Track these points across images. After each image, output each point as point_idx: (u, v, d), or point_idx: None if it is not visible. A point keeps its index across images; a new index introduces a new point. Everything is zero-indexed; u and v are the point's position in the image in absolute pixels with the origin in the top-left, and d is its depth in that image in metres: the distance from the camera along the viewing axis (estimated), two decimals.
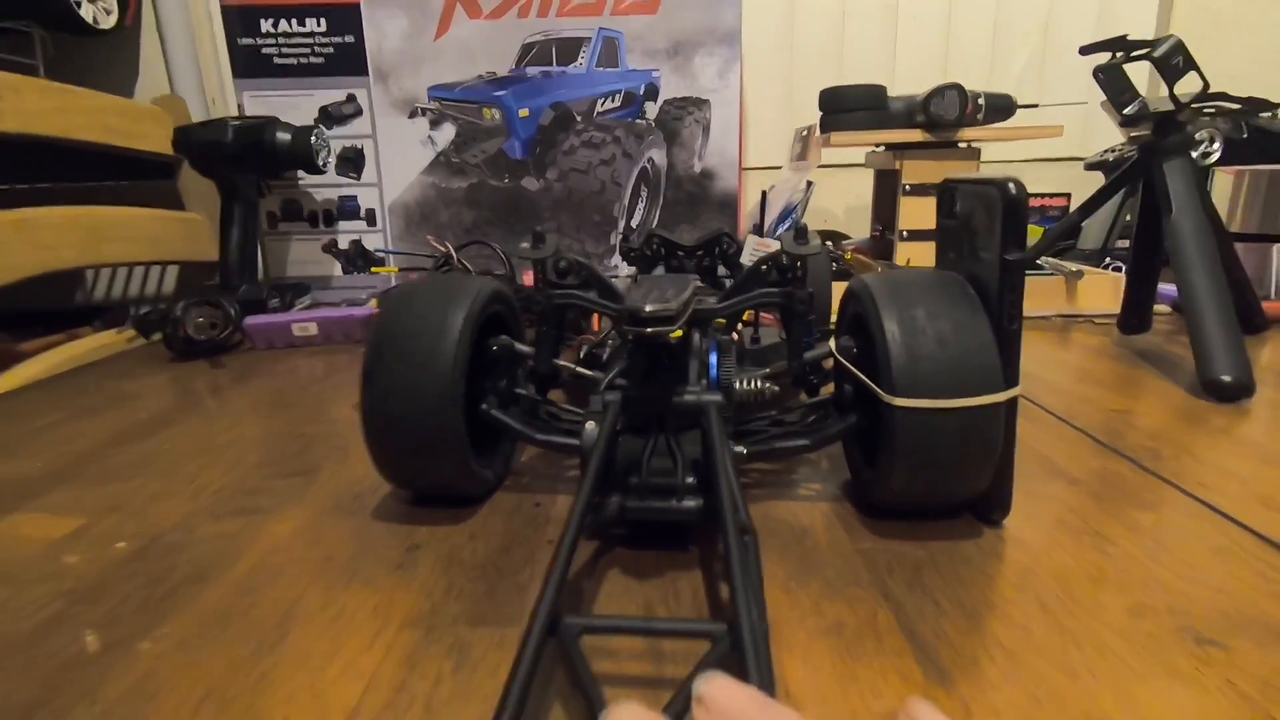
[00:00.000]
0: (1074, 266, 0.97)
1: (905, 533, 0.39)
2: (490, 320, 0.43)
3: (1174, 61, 0.65)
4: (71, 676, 0.30)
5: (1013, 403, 0.37)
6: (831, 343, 0.41)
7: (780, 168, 1.30)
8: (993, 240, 0.36)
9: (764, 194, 1.03)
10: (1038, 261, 1.01)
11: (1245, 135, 1.09)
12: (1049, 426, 0.55)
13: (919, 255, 1.07)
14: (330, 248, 1.14)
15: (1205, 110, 0.69)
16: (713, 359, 0.38)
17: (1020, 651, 0.30)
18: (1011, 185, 0.35)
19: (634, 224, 1.12)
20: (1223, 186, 1.00)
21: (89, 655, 0.31)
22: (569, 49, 1.06)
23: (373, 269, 1.10)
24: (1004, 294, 0.36)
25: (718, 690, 0.17)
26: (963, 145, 1.07)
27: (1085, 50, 0.72)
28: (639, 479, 0.35)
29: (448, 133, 1.08)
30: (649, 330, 0.30)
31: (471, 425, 0.41)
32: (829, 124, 1.10)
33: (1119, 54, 0.71)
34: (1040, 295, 0.97)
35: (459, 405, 0.39)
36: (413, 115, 1.08)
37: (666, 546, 0.38)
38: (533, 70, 1.06)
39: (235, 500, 0.46)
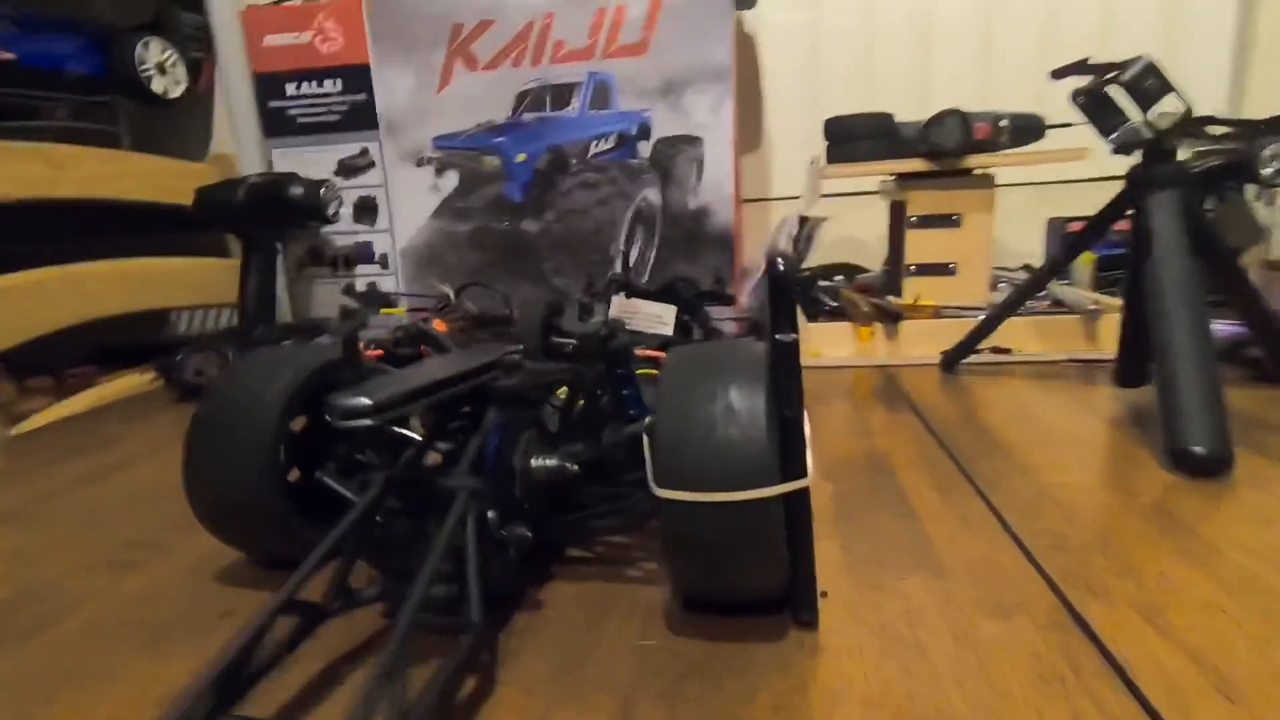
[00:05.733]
0: (1092, 299, 0.87)
1: (705, 629, 0.36)
2: (326, 389, 0.44)
3: (1146, 84, 0.58)
4: None
5: (799, 497, 0.33)
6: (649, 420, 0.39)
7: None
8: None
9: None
10: (1054, 295, 0.92)
11: None
12: (961, 499, 0.49)
13: (929, 291, 1.00)
14: (349, 290, 1.21)
15: (1193, 136, 0.61)
16: (494, 440, 0.37)
17: None
18: (778, 261, 0.32)
19: (631, 263, 1.12)
20: None
21: None
22: (562, 94, 1.08)
23: (383, 310, 1.16)
24: (778, 377, 0.33)
25: None
26: (978, 173, 0.99)
27: (1057, 75, 0.66)
28: (399, 563, 0.35)
29: (452, 180, 1.13)
30: (340, 425, 0.30)
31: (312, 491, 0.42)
32: (836, 155, 1.06)
33: (1096, 77, 0.63)
34: (1052, 336, 0.88)
35: (275, 476, 0.40)
36: (420, 164, 1.13)
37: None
38: (529, 116, 1.09)
39: (120, 553, 0.49)
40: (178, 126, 1.48)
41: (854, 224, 1.33)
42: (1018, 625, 0.35)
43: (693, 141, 1.06)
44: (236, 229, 1.05)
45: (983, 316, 0.78)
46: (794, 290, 0.32)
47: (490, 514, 0.36)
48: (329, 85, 1.13)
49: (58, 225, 1.05)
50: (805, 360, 0.94)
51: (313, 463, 0.44)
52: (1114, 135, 0.65)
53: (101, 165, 1.07)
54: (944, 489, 0.51)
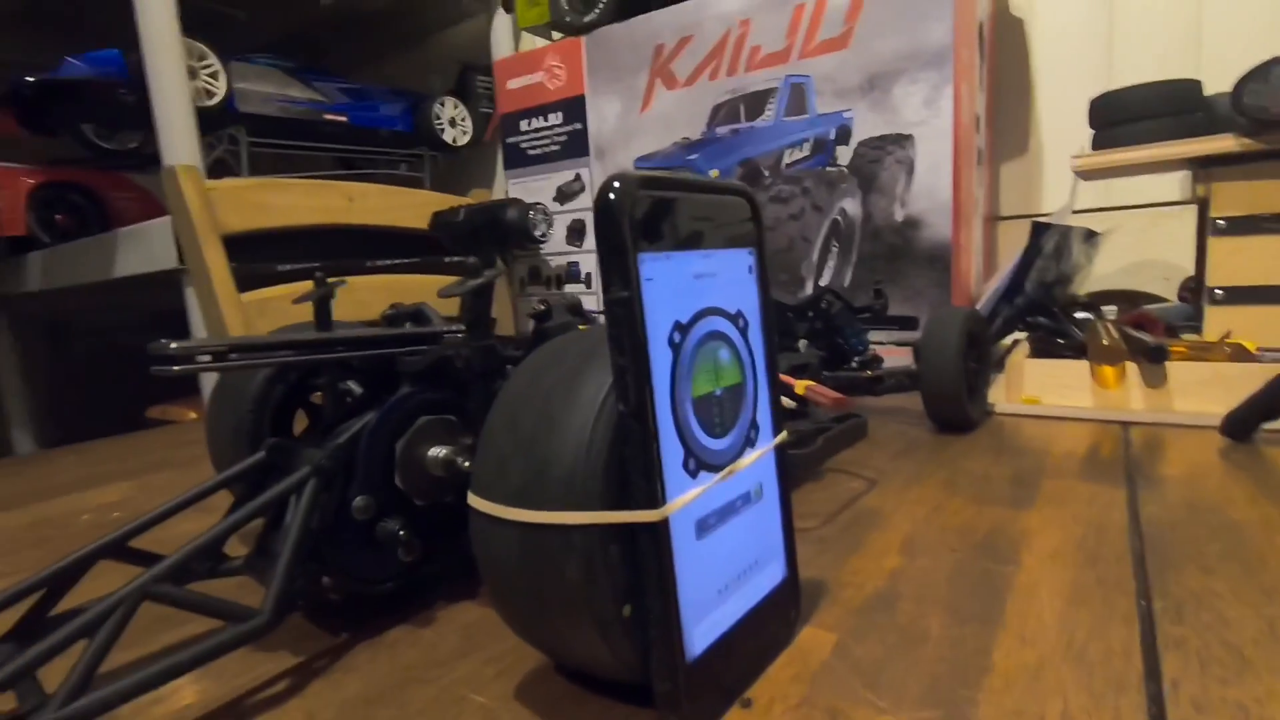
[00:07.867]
0: None
1: (554, 702, 0.27)
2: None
3: None
4: None
5: (649, 539, 0.22)
6: None
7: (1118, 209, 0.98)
8: None
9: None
10: None
11: None
12: (1101, 620, 0.30)
13: (1246, 326, 0.69)
14: None
15: None
16: (375, 416, 0.32)
17: None
18: (613, 186, 0.23)
19: (823, 283, 0.98)
20: None
21: None
22: (756, 102, 1.00)
23: (579, 328, 1.19)
24: (612, 354, 0.23)
25: None
26: None
27: None
28: (262, 537, 0.32)
29: None
30: (153, 370, 0.28)
31: None
32: (1104, 141, 0.82)
33: None
34: None
35: (253, 439, 0.42)
36: None
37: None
38: (722, 130, 1.04)
39: None
40: (469, 170, 1.76)
41: (1162, 243, 1.00)
42: None
43: (901, 141, 0.90)
44: (461, 248, 1.19)
45: None
46: (625, 229, 0.22)
47: (359, 500, 0.32)
48: (552, 118, 1.22)
49: (346, 245, 1.30)
50: (1015, 408, 0.71)
51: None
52: None
53: (383, 199, 1.31)
54: (1082, 598, 0.32)
